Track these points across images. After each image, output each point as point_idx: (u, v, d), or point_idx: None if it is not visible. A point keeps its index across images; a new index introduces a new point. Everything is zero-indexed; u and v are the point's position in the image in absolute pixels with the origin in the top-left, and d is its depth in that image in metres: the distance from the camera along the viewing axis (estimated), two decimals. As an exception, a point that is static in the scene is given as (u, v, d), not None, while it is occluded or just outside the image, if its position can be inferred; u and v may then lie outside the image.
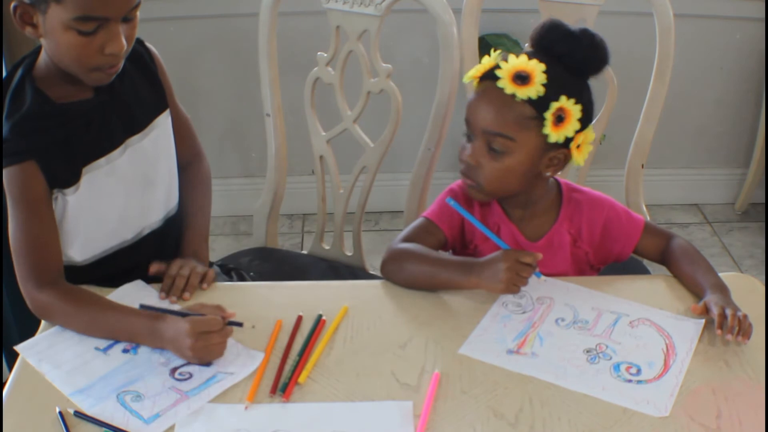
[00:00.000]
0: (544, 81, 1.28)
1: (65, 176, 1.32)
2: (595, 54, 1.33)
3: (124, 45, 1.26)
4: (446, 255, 1.34)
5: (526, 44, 1.40)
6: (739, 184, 3.02)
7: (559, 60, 1.31)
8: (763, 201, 2.98)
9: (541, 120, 1.30)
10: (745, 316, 1.24)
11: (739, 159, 3.02)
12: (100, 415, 1.11)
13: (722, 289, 1.32)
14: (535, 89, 1.28)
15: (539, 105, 1.29)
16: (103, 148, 1.36)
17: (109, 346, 1.25)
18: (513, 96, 1.29)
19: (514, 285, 1.28)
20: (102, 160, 1.36)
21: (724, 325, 1.23)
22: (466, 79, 1.37)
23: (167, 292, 1.36)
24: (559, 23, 1.34)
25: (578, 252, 1.44)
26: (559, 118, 1.30)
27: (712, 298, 1.29)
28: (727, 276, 1.42)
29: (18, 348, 1.23)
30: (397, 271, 1.37)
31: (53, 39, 1.25)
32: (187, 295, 1.35)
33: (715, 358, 1.22)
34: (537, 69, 1.29)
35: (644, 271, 1.76)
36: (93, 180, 1.35)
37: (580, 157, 1.35)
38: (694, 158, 3.02)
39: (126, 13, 1.24)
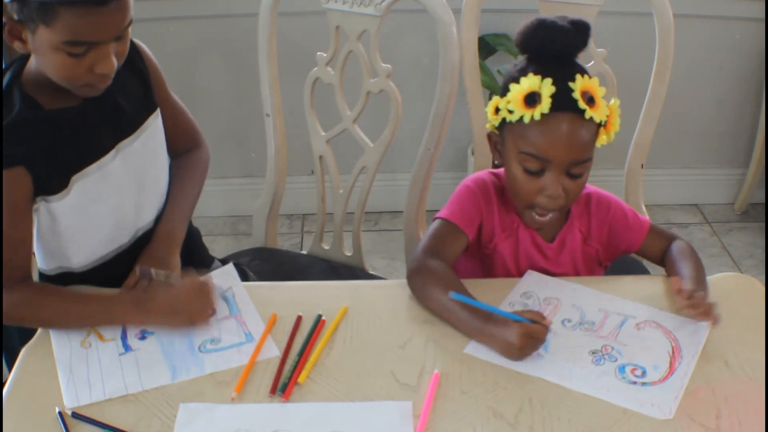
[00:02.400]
0: (603, 94, 1.29)
1: (52, 183, 1.31)
2: (587, 41, 1.31)
3: (115, 64, 1.25)
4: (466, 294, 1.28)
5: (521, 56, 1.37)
6: (739, 184, 3.03)
7: (563, 58, 1.30)
8: (763, 201, 2.98)
9: (599, 129, 1.31)
10: (711, 308, 1.25)
11: (739, 159, 3.02)
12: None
13: (700, 284, 1.32)
14: (604, 106, 1.28)
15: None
16: (93, 154, 1.35)
17: (127, 348, 1.25)
18: (589, 119, 1.27)
19: (523, 354, 1.20)
20: (93, 166, 1.35)
21: (691, 299, 1.25)
22: (515, 117, 1.28)
23: None
24: (553, 23, 1.29)
25: (589, 250, 1.45)
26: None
27: (687, 283, 1.30)
28: (727, 276, 1.42)
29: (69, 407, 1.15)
30: (419, 290, 1.32)
31: (42, 57, 1.24)
32: None
33: (715, 358, 1.22)
34: (595, 86, 1.28)
35: (644, 271, 1.76)
36: (85, 186, 1.35)
37: (603, 137, 1.35)
38: (693, 158, 3.02)
39: (118, 33, 1.24)
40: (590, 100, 1.27)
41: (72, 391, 1.16)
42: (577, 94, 1.25)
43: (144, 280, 1.34)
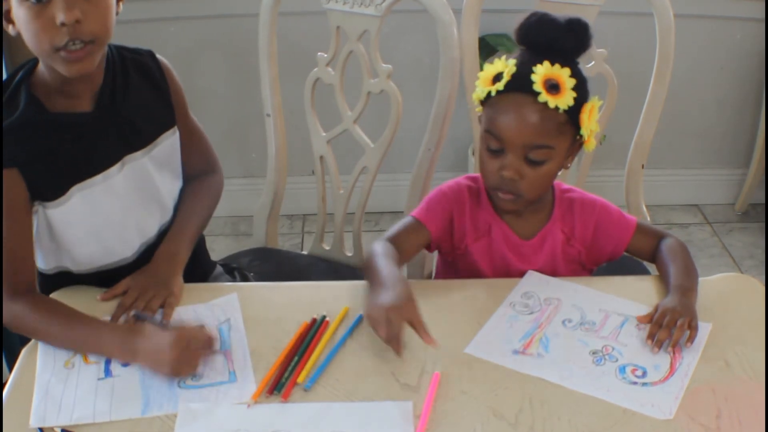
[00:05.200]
0: (573, 85, 1.28)
1: (48, 189, 1.29)
2: (585, 40, 1.32)
3: (77, 15, 1.20)
4: (393, 266, 1.30)
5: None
6: (739, 184, 3.03)
7: (556, 53, 1.30)
8: (763, 201, 2.98)
9: (575, 123, 1.31)
10: (685, 326, 1.23)
11: (739, 159, 3.02)
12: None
13: (684, 291, 1.31)
14: (570, 96, 1.28)
15: (572, 109, 1.29)
16: (98, 165, 1.33)
17: (107, 374, 1.21)
18: (544, 104, 1.27)
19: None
20: (98, 177, 1.33)
21: (654, 337, 1.24)
22: (480, 93, 1.32)
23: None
24: (547, 16, 1.31)
25: (571, 251, 1.45)
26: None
27: (664, 302, 1.29)
28: (727, 276, 1.42)
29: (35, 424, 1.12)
30: (364, 268, 1.37)
31: (18, 23, 1.22)
32: None
33: (715, 358, 1.22)
34: (565, 75, 1.28)
35: (644, 271, 1.76)
36: (88, 197, 1.33)
37: (592, 144, 1.35)
38: (694, 158, 3.02)
39: None
40: (553, 87, 1.27)
41: (41, 410, 1.14)
42: (536, 77, 1.27)
43: (130, 318, 1.30)
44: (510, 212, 1.41)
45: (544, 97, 1.27)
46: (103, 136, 1.33)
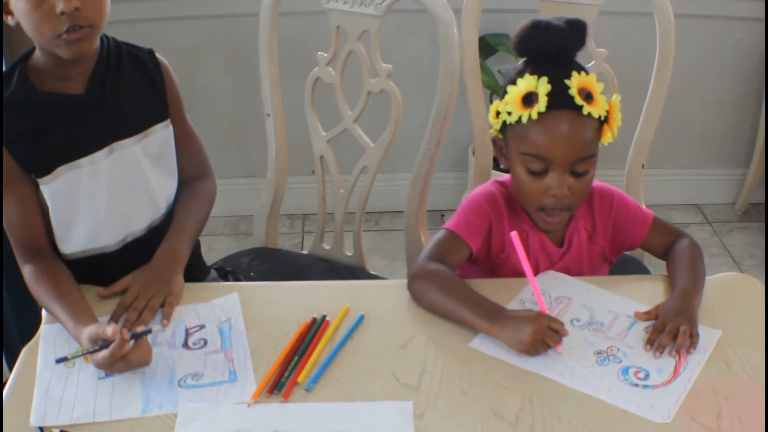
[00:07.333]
0: (601, 90, 1.29)
1: (35, 166, 1.32)
2: (585, 39, 1.32)
3: (76, 4, 1.23)
4: (472, 291, 1.28)
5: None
6: (740, 184, 3.03)
7: (561, 58, 1.30)
8: (763, 201, 2.98)
9: (603, 125, 1.31)
10: (687, 333, 1.23)
11: (739, 159, 3.02)
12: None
13: (687, 295, 1.30)
14: (603, 100, 1.28)
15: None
16: (86, 148, 1.35)
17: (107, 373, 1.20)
18: (588, 115, 1.27)
19: (536, 350, 1.20)
20: (85, 160, 1.35)
21: (654, 342, 1.23)
22: (512, 118, 1.29)
23: (117, 322, 1.29)
24: (548, 23, 1.30)
25: (595, 248, 1.44)
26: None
27: (665, 305, 1.29)
28: (727, 276, 1.42)
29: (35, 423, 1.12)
30: (422, 293, 1.32)
31: (17, 14, 1.26)
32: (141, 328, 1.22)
33: (715, 358, 1.22)
34: (593, 81, 1.28)
35: (644, 271, 1.75)
36: (75, 178, 1.35)
37: (608, 136, 1.35)
38: (694, 158, 3.02)
39: None
40: (588, 96, 1.27)
41: (41, 409, 1.14)
42: (573, 91, 1.26)
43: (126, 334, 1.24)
44: (554, 229, 1.39)
45: (587, 108, 1.26)
46: (92, 120, 1.35)
